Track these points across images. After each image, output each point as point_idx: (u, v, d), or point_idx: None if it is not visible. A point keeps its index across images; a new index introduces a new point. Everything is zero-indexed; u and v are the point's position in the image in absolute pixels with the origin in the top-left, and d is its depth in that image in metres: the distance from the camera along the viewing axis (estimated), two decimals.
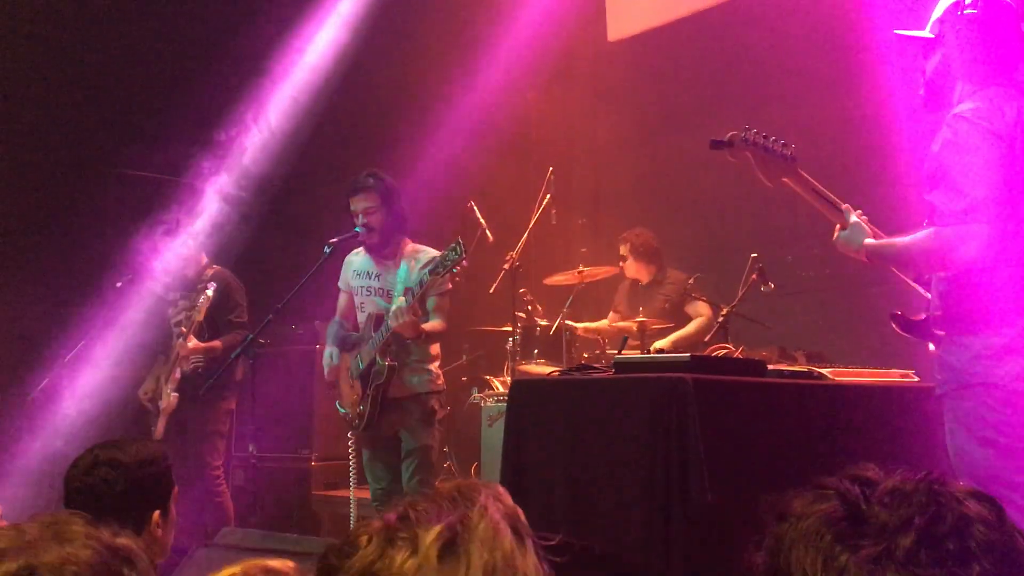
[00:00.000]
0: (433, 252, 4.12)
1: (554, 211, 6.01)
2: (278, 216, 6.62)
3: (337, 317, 4.33)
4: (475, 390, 6.04)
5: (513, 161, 7.23)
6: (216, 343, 4.85)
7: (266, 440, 5.50)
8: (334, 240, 4.12)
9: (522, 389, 3.19)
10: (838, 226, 2.57)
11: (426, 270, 3.81)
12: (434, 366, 4.15)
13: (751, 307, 5.22)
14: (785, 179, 2.52)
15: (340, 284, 4.33)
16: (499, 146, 7.07)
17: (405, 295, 3.85)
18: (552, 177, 6.01)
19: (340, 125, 6.67)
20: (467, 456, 5.83)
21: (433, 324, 4.02)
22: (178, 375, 4.77)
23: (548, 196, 5.99)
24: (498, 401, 5.43)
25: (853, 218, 2.52)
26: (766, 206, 6.03)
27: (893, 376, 3.37)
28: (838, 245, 2.55)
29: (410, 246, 4.18)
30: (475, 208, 6.09)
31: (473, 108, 6.74)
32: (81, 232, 5.91)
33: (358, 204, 4.08)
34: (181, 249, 4.93)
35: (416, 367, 4.06)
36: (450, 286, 4.10)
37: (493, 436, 5.08)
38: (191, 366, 4.83)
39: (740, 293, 4.96)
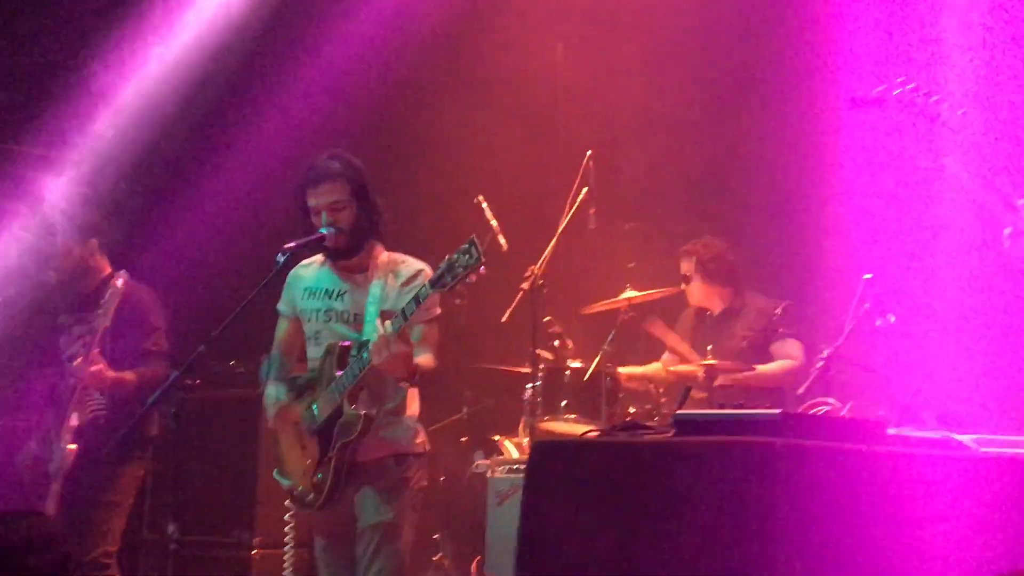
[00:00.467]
0: (417, 264, 4.12)
1: (592, 211, 6.03)
2: (213, 214, 6.68)
3: (276, 351, 4.32)
4: (479, 455, 6.05)
5: (537, 141, 7.27)
6: (128, 375, 4.87)
7: (190, 517, 5.50)
8: (291, 245, 4.09)
9: (546, 455, 3.17)
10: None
11: (423, 285, 3.79)
12: (412, 418, 4.15)
13: (862, 348, 5.19)
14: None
15: (281, 307, 4.32)
16: (518, 121, 7.10)
17: (392, 320, 3.83)
18: (590, 164, 6.03)
19: (289, 92, 6.77)
20: (467, 546, 5.82)
21: (425, 359, 4.01)
22: (75, 422, 4.80)
23: (584, 190, 6.00)
24: (511, 471, 5.42)
25: None
26: (886, 207, 6.01)
27: None
28: None
29: (384, 255, 4.17)
30: (484, 205, 6.11)
31: (480, 67, 6.78)
32: None
33: (320, 198, 4.07)
34: (67, 251, 4.96)
35: (388, 419, 4.07)
36: (439, 310, 4.10)
37: (504, 518, 5.08)
38: (91, 412, 4.84)
39: (847, 328, 4.96)
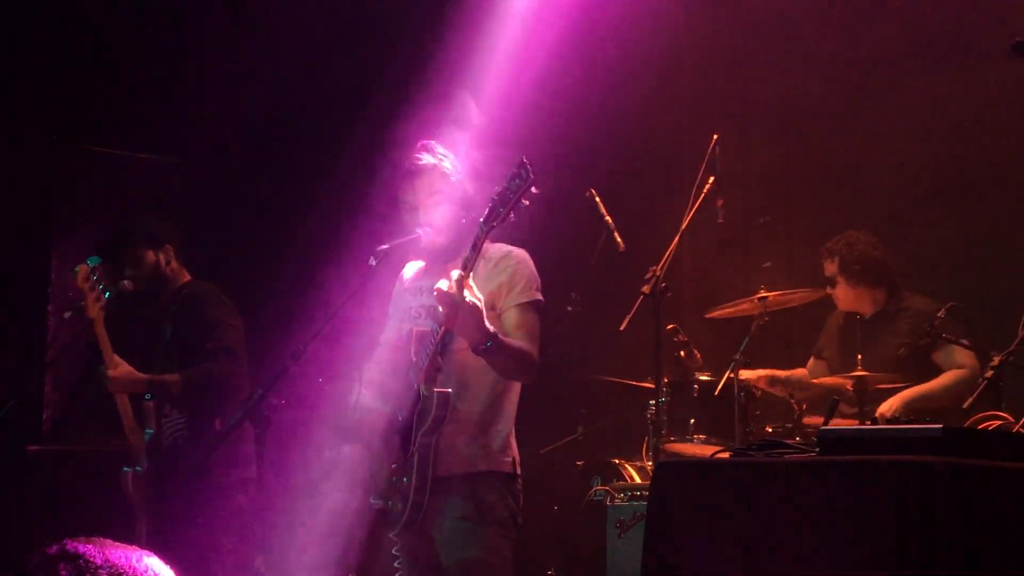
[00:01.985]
0: (506, 247, 4.12)
1: (721, 204, 5.98)
2: (296, 213, 6.85)
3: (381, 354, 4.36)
4: (597, 480, 6.05)
5: (656, 124, 7.24)
6: (171, 376, 5.05)
7: (277, 550, 5.58)
8: (384, 247, 4.13)
9: (673, 477, 3.17)
10: None
11: (480, 221, 3.74)
12: (503, 429, 4.06)
13: None
14: None
15: (391, 310, 4.38)
16: (634, 99, 7.08)
17: (464, 264, 3.78)
18: (717, 150, 5.99)
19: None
20: None
21: (518, 342, 3.94)
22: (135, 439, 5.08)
23: (711, 180, 5.97)
24: (633, 498, 5.43)
25: None
26: None
27: None
28: None
29: (490, 247, 4.13)
30: (597, 199, 6.12)
31: (587, 31, 6.74)
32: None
33: (410, 194, 4.16)
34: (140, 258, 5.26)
35: (475, 429, 4.01)
36: (539, 295, 4.04)
37: (626, 550, 5.10)
38: (169, 434, 5.05)
39: (1021, 332, 4.85)
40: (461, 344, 3.92)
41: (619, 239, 6.07)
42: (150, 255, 5.28)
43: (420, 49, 6.44)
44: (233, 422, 4.42)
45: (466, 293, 3.70)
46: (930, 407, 5.34)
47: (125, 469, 5.14)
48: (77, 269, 5.11)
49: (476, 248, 3.76)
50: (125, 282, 5.20)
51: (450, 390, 3.91)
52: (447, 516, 3.97)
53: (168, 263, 5.31)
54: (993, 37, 6.07)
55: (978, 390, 4.82)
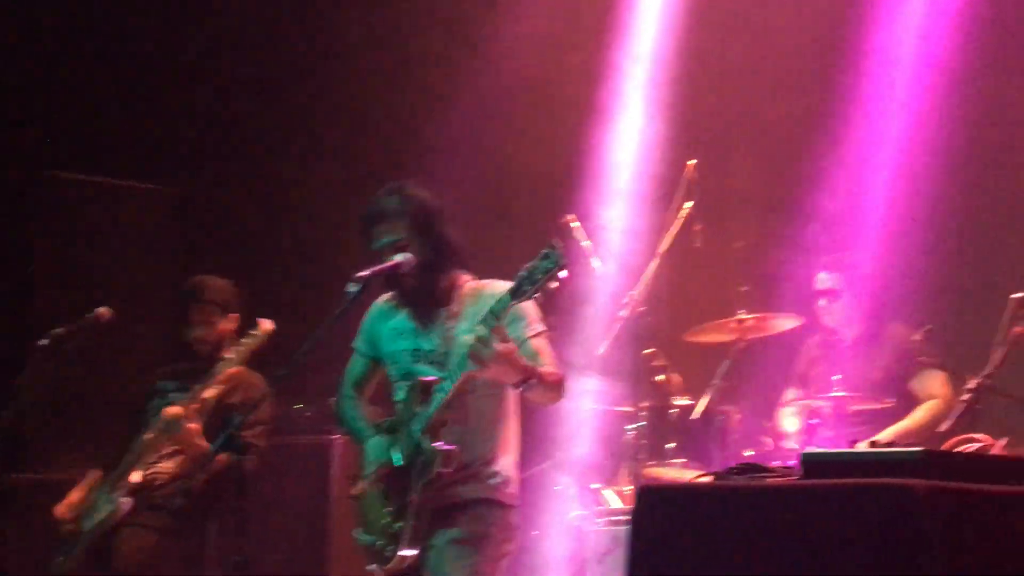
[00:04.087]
0: (503, 284, 4.09)
1: (699, 227, 6.00)
2: (273, 232, 6.85)
3: (349, 390, 4.40)
4: (575, 506, 6.02)
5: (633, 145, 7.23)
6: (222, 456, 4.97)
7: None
8: (364, 274, 4.14)
9: (653, 502, 3.12)
10: None
11: (505, 293, 3.81)
12: (508, 462, 4.15)
13: (1016, 377, 5.09)
14: None
15: (359, 344, 4.40)
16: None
17: (483, 321, 3.85)
18: (694, 175, 6.01)
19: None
20: None
21: (551, 371, 4.02)
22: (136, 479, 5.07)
23: (688, 204, 5.98)
24: (612, 523, 5.40)
25: None
26: None
27: None
28: None
29: (470, 284, 4.24)
30: (575, 224, 6.12)
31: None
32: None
33: (380, 239, 4.18)
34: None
35: (476, 466, 4.09)
36: (543, 327, 4.12)
37: None
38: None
39: (998, 355, 4.87)
40: (477, 391, 4.03)
41: (597, 263, 6.07)
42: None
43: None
44: (215, 448, 4.40)
45: (496, 345, 3.78)
46: (916, 439, 5.35)
47: None
48: None
49: (496, 316, 3.81)
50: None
51: (455, 447, 3.97)
52: (442, 539, 4.01)
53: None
54: None
55: (956, 413, 4.85)
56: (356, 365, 4.42)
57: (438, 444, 3.96)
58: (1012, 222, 6.21)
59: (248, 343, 4.97)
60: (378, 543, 4.11)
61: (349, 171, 6.98)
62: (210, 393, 4.99)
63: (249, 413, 4.87)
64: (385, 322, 4.33)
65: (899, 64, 6.58)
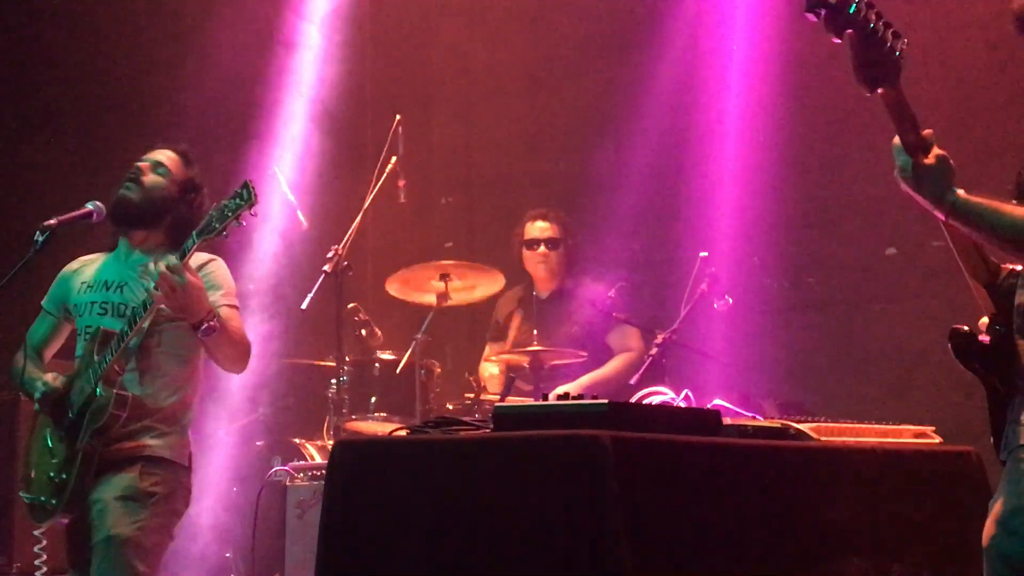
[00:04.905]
0: (214, 259, 4.18)
1: (402, 183, 6.00)
2: None
3: (30, 349, 4.25)
4: (277, 461, 5.96)
5: (338, 99, 7.18)
6: None
7: None
8: (51, 222, 4.11)
9: (348, 456, 3.13)
10: (899, 155, 2.60)
11: (190, 237, 3.85)
12: (186, 424, 4.13)
13: (699, 332, 5.33)
14: (882, 89, 2.56)
15: (46, 303, 4.30)
16: (317, 81, 7.01)
17: (171, 255, 3.86)
18: (399, 131, 6.01)
19: None
20: (264, 564, 5.73)
21: (238, 327, 4.07)
22: None
23: (393, 159, 5.98)
24: (314, 478, 5.37)
25: (939, 151, 2.59)
26: (721, 178, 6.19)
27: (905, 435, 3.50)
28: (908, 182, 2.59)
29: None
30: (280, 176, 6.02)
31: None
32: None
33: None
34: None
35: (154, 421, 4.02)
36: (236, 302, 4.15)
37: (305, 531, 5.04)
38: None
39: (683, 311, 5.07)
40: (162, 341, 4.02)
41: (302, 217, 6.00)
42: None
43: None
44: None
45: (188, 275, 3.81)
46: (606, 392, 5.52)
47: None
48: None
49: (185, 255, 3.85)
50: None
51: (128, 393, 3.94)
52: (110, 492, 3.93)
53: None
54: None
55: (643, 367, 5.05)
56: (43, 324, 4.30)
57: (114, 389, 3.91)
58: (694, 180, 6.47)
59: None
60: (42, 498, 4.02)
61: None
62: None
63: None
64: (76, 277, 4.25)
65: None
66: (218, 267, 4.16)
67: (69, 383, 4.06)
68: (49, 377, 4.08)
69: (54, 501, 3.95)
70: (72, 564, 4.09)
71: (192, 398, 4.16)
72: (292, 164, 6.37)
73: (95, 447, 3.91)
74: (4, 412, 5.83)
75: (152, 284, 3.83)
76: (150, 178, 4.15)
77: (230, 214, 3.78)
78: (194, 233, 3.85)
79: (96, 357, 3.97)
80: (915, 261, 5.71)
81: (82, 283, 4.21)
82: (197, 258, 4.07)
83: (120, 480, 3.94)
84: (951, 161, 2.62)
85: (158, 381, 4.05)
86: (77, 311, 4.18)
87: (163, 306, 3.88)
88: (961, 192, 2.60)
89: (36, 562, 4.44)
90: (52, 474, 3.98)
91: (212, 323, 3.89)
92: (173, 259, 3.82)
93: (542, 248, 5.90)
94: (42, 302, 4.31)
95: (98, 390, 3.92)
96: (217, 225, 3.80)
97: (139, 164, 4.17)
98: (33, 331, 4.30)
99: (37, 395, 4.08)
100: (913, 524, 3.22)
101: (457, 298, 5.96)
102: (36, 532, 4.42)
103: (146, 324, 3.93)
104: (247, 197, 3.77)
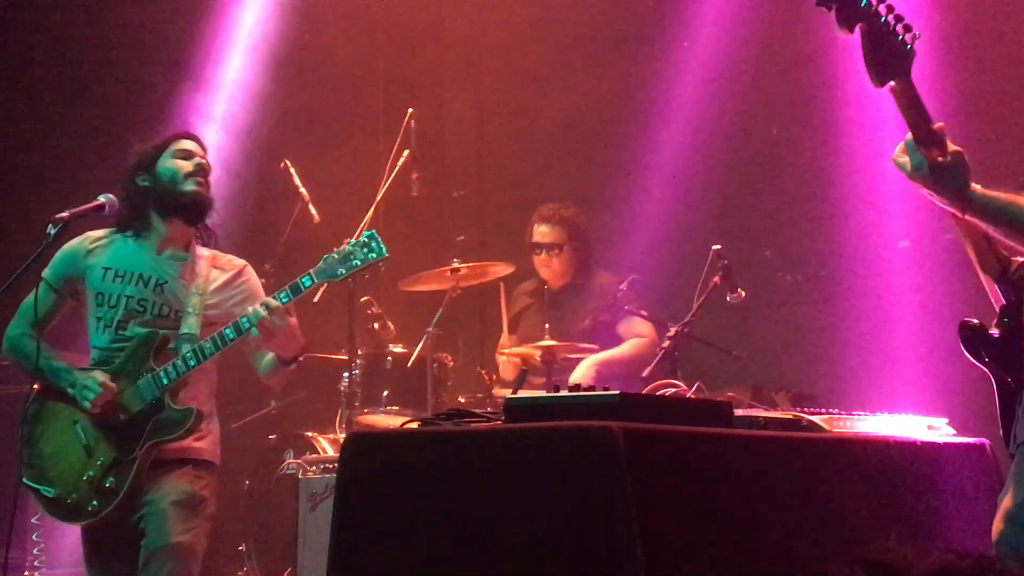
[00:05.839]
0: (246, 267, 4.21)
1: (415, 176, 6.00)
2: None
3: (33, 328, 4.06)
4: (289, 454, 5.98)
5: (351, 93, 7.18)
6: None
7: None
8: (63, 215, 4.03)
9: (361, 448, 3.13)
10: (904, 153, 2.58)
11: (307, 274, 3.85)
12: (216, 425, 4.16)
13: (712, 326, 5.33)
14: (893, 81, 2.55)
15: (48, 275, 4.12)
16: (327, 66, 7.01)
17: (280, 292, 3.89)
18: (412, 124, 6.01)
19: None
20: (277, 557, 5.76)
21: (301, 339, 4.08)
22: None
23: (406, 153, 5.98)
24: (325, 471, 5.38)
25: (954, 147, 2.58)
26: (735, 171, 6.19)
27: (918, 427, 3.49)
28: (924, 181, 2.57)
29: (217, 254, 4.22)
30: (291, 168, 6.03)
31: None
32: None
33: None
34: None
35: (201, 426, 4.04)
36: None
37: (318, 524, 5.04)
38: None
39: (696, 305, 5.07)
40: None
41: (313, 211, 6.01)
42: None
43: None
44: None
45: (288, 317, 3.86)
46: (616, 373, 5.52)
47: None
48: None
49: (297, 294, 3.88)
50: None
51: (195, 408, 3.95)
52: (167, 497, 3.93)
53: None
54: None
55: (656, 359, 5.05)
56: (45, 300, 4.13)
57: (186, 406, 3.93)
58: (707, 174, 6.45)
59: None
60: (71, 498, 3.95)
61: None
62: None
63: None
64: (95, 259, 4.12)
65: None
66: (252, 274, 4.20)
67: (115, 375, 4.01)
68: (100, 376, 3.97)
69: (96, 503, 3.90)
70: (93, 561, 4.05)
71: (214, 395, 4.18)
72: (304, 152, 6.35)
73: (149, 458, 3.92)
74: (6, 405, 5.82)
75: (246, 322, 3.84)
76: (209, 177, 4.14)
77: (359, 264, 3.79)
78: (313, 274, 3.86)
79: (152, 363, 3.95)
80: (928, 254, 5.70)
81: (106, 269, 4.09)
82: (229, 262, 4.13)
83: (176, 484, 3.96)
84: (966, 156, 2.60)
85: (200, 384, 4.05)
86: (101, 300, 4.07)
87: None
88: (978, 187, 2.59)
89: (34, 561, 4.39)
90: (91, 474, 3.93)
91: (301, 360, 3.96)
92: (275, 302, 3.81)
93: (544, 254, 5.91)
94: (44, 274, 4.13)
95: (167, 402, 3.92)
96: (342, 272, 3.81)
97: (202, 161, 4.12)
98: (31, 304, 4.07)
99: (90, 395, 3.94)
100: (926, 516, 3.22)
101: (467, 282, 5.98)
102: (33, 520, 4.33)
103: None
104: (378, 250, 3.77)
